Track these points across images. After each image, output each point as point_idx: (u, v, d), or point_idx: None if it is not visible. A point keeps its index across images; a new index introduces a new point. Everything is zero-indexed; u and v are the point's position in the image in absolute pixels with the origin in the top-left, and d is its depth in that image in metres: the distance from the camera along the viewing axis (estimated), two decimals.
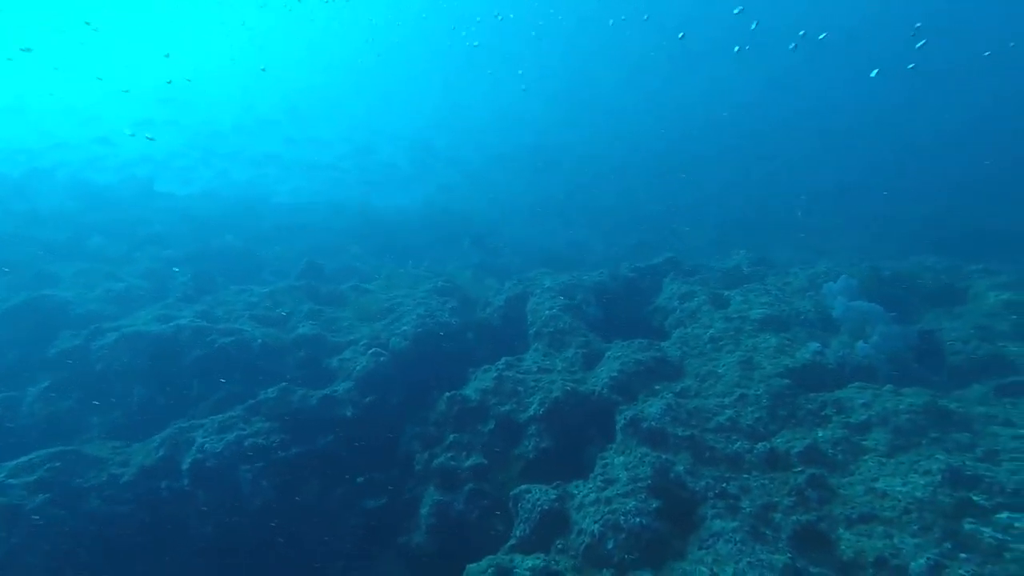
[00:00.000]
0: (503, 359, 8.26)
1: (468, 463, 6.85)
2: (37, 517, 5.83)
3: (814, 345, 7.25)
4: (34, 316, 11.25)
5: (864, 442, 5.70)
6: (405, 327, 9.52)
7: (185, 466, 6.62)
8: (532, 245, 22.95)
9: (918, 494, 4.66)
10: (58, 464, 6.41)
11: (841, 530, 4.71)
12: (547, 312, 9.40)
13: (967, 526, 4.31)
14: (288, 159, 35.43)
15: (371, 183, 33.34)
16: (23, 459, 6.41)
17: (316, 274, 14.35)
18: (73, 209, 19.30)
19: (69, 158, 28.18)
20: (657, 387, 7.12)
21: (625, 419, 6.28)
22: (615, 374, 7.33)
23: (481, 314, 11.08)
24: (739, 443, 5.87)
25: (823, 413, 6.26)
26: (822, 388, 6.67)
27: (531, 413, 7.05)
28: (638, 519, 4.92)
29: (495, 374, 7.82)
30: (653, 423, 6.12)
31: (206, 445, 6.69)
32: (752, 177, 29.27)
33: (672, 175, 29.51)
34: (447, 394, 7.62)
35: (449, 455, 6.99)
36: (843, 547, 4.53)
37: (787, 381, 6.56)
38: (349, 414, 7.82)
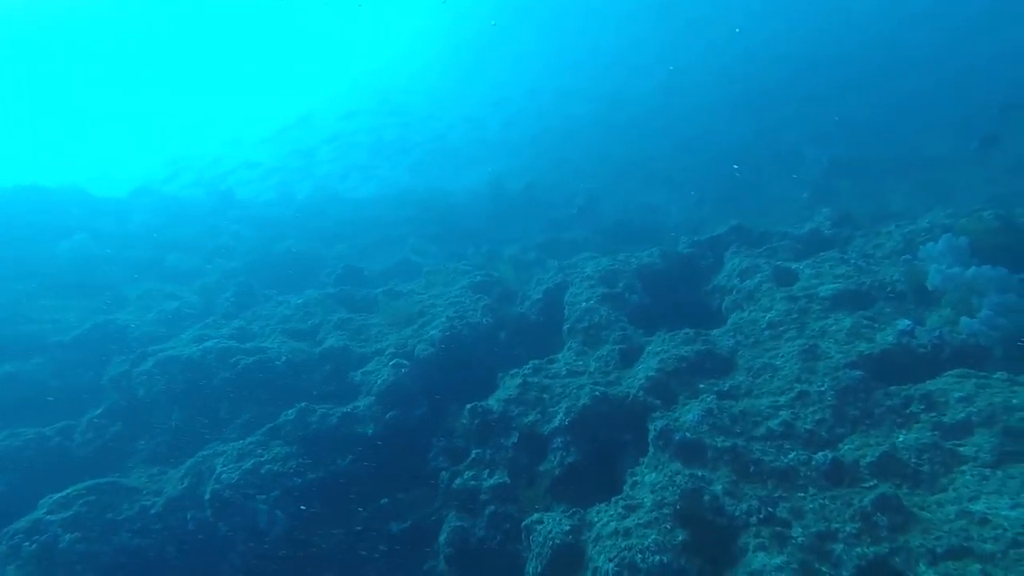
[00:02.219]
0: (531, 362, 7.97)
1: (490, 482, 6.68)
2: (68, 556, 6.46)
3: (902, 324, 6.25)
4: (99, 342, 12.58)
5: (961, 449, 4.83)
6: (432, 332, 9.49)
7: (207, 496, 7.05)
8: (606, 217, 21.96)
9: None
10: (93, 498, 7.06)
11: (922, 567, 3.99)
12: (583, 304, 8.95)
13: None
14: (374, 146, 36.77)
15: (441, 167, 33.59)
16: (61, 494, 7.08)
17: (353, 279, 14.77)
18: (156, 225, 20.94)
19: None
20: (701, 386, 6.51)
21: (656, 429, 5.80)
22: (652, 373, 6.80)
23: (518, 309, 10.81)
24: (793, 453, 5.20)
25: (908, 411, 5.40)
26: (911, 379, 5.74)
27: (556, 424, 6.73)
28: (658, 557, 4.49)
29: (519, 380, 7.56)
30: (687, 433, 5.58)
31: (223, 475, 7.06)
32: (883, 104, 25.38)
33: (771, 110, 26.73)
34: (468, 405, 7.48)
35: (470, 474, 6.87)
36: None
37: (860, 372, 5.72)
38: (371, 432, 7.94)
